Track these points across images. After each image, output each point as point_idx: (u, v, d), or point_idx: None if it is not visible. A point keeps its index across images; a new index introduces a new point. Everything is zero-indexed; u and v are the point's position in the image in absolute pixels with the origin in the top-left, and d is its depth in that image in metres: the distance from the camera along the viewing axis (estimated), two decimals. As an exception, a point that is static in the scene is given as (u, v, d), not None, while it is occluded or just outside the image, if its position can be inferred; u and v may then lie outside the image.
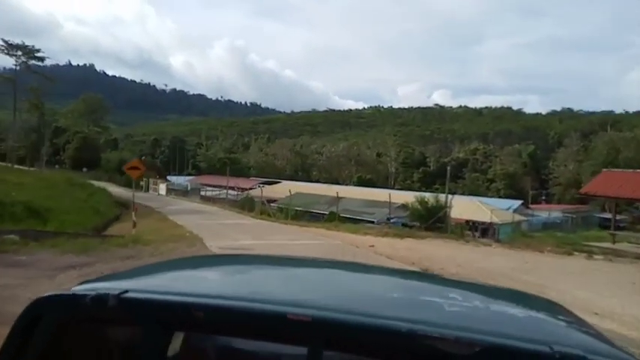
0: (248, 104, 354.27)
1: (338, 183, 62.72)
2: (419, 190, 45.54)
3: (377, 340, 1.12)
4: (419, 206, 20.24)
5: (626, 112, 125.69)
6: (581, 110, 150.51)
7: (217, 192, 40.78)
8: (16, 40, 55.45)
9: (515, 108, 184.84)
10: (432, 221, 19.21)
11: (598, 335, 1.39)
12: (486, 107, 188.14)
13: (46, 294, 1.29)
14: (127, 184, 54.29)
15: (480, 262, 12.09)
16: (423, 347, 1.09)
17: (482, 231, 26.27)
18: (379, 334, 1.12)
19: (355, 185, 61.12)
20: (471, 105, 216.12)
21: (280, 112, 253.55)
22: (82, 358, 1.47)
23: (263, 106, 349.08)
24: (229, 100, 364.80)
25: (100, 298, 1.22)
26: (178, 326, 1.31)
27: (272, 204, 29.99)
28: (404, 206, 23.58)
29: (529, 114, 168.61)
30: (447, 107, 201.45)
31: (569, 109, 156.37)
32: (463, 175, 74.28)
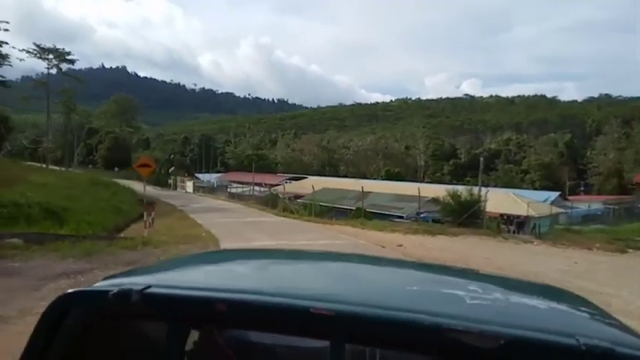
0: (275, 101, 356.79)
1: (365, 177, 61.53)
2: (449, 183, 44.07)
3: (399, 334, 1.12)
4: (451, 201, 18.83)
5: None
6: (620, 96, 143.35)
7: (244, 189, 40.42)
8: (50, 45, 56.30)
9: (549, 96, 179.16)
10: (465, 216, 17.85)
11: (624, 327, 1.34)
12: (519, 96, 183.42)
13: (70, 290, 1.30)
14: (156, 183, 55.02)
15: (523, 263, 10.77)
16: (446, 341, 1.07)
17: (517, 225, 24.88)
18: (402, 328, 1.11)
19: (383, 179, 59.58)
20: (503, 94, 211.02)
21: (307, 108, 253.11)
22: (106, 353, 1.46)
23: (290, 102, 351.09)
24: (257, 98, 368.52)
25: (124, 294, 1.22)
26: (201, 321, 1.35)
27: (298, 200, 29.26)
28: (434, 200, 22.40)
29: (564, 102, 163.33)
30: (478, 97, 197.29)
31: (607, 95, 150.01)
32: (496, 167, 71.73)
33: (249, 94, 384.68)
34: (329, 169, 79.47)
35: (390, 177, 62.85)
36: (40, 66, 54.71)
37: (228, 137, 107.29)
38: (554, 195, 41.21)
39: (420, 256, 10.88)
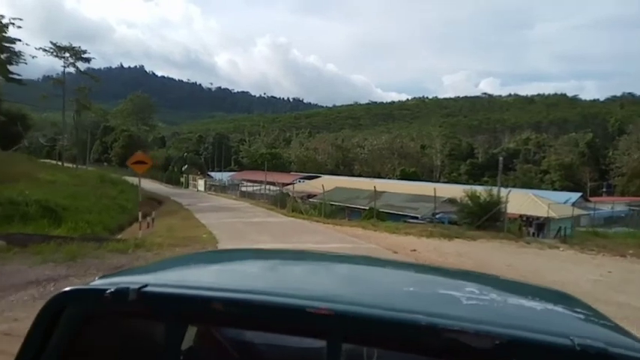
0: (291, 100, 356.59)
1: (380, 177, 60.36)
2: (466, 183, 42.90)
3: (396, 334, 1.13)
4: (470, 202, 17.69)
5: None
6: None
7: (256, 187, 39.80)
8: (66, 43, 56.53)
9: (569, 95, 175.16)
10: (485, 218, 16.73)
11: (617, 328, 1.36)
12: (538, 95, 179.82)
13: (67, 288, 1.30)
14: (168, 181, 54.82)
15: (549, 272, 9.70)
16: (442, 340, 1.09)
17: (537, 227, 23.65)
18: (398, 328, 1.13)
19: (398, 179, 58.35)
20: (522, 93, 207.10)
21: (322, 107, 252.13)
22: (103, 351, 1.47)
23: (305, 101, 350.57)
24: (272, 97, 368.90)
25: (121, 292, 1.23)
26: (198, 320, 1.35)
27: (311, 199, 28.44)
28: (450, 201, 21.31)
29: (585, 101, 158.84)
30: (496, 96, 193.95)
31: (630, 94, 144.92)
32: (514, 167, 69.78)
33: (264, 93, 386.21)
34: (343, 168, 78.42)
35: (406, 176, 61.52)
36: (60, 65, 54.96)
37: (243, 136, 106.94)
38: (575, 196, 39.67)
39: (435, 263, 9.91)
